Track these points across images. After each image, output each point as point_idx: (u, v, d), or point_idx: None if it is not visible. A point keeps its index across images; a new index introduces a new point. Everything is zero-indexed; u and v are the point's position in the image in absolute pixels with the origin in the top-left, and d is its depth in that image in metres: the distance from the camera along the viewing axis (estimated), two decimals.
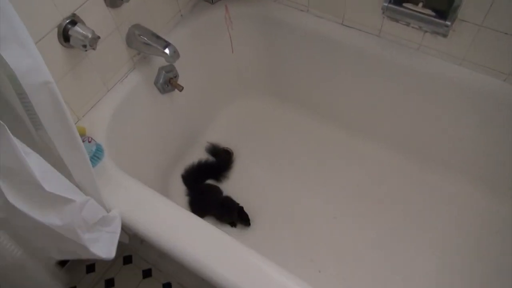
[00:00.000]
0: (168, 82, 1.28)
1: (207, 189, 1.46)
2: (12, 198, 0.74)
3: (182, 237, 0.91)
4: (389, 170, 1.48)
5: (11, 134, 0.69)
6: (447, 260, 1.28)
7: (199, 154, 1.55)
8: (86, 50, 0.95)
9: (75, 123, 1.10)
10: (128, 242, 1.13)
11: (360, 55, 1.30)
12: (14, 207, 0.74)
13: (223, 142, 1.59)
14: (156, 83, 1.26)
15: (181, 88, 1.28)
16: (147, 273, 1.37)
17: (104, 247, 0.95)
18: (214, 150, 1.55)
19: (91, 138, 1.03)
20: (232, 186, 1.46)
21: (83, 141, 1.00)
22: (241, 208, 1.34)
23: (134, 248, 1.39)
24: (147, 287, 1.34)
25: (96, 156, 1.01)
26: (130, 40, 1.15)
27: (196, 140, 1.58)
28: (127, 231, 1.05)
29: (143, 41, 1.13)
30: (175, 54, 1.11)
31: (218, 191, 1.44)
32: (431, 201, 1.40)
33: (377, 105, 1.44)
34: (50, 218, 0.80)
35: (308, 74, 1.51)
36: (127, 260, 1.39)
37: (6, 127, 0.68)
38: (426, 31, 1.15)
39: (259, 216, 1.39)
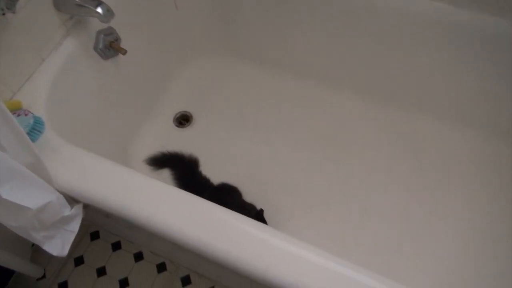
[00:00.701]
0: (109, 46, 1.21)
1: (227, 191, 1.35)
2: None
3: (140, 200, 0.88)
4: (354, 116, 1.49)
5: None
6: (410, 202, 1.31)
7: (157, 122, 1.50)
8: (3, 14, 0.87)
9: (10, 98, 1.03)
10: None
11: None
12: None
13: (180, 105, 1.55)
14: (95, 48, 1.19)
15: (124, 52, 1.20)
16: (116, 246, 1.34)
17: (58, 243, 0.95)
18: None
19: (28, 111, 0.96)
20: (196, 151, 1.43)
21: (19, 115, 0.94)
22: (261, 212, 1.24)
23: (101, 223, 1.35)
24: (118, 259, 1.32)
25: (35, 129, 0.95)
26: (58, 3, 1.06)
27: (153, 107, 1.52)
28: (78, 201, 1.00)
29: (73, 2, 1.05)
30: (108, 13, 1.04)
31: (237, 193, 1.34)
32: (397, 142, 1.42)
33: (334, 49, 1.41)
34: (5, 218, 0.80)
35: (260, 26, 1.46)
36: (94, 236, 1.35)
37: None
38: None
39: (227, 175, 1.37)
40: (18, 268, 1.17)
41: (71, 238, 0.98)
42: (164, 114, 1.53)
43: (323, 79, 1.53)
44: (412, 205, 1.29)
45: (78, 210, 0.97)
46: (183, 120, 1.55)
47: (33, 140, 0.94)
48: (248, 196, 1.33)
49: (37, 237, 0.88)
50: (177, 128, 1.52)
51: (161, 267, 1.30)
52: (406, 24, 1.23)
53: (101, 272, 1.30)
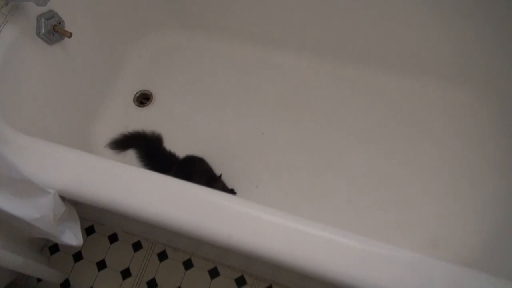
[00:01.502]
0: (53, 30, 1.17)
1: (193, 162, 1.33)
2: None
3: (104, 184, 0.88)
4: (310, 77, 1.50)
5: None
6: (377, 155, 1.36)
7: (117, 103, 1.48)
8: None
9: None
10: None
11: None
12: None
13: (138, 85, 1.53)
14: (38, 33, 1.14)
15: (69, 34, 1.17)
16: (90, 231, 1.36)
17: (71, 235, 1.00)
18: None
19: None
20: (160, 128, 1.42)
21: None
22: (219, 176, 1.24)
23: None
24: (92, 244, 1.34)
25: None
26: None
27: (110, 88, 1.50)
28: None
29: None
30: None
31: (203, 163, 1.32)
32: (352, 96, 1.45)
33: (282, 7, 1.41)
34: (28, 212, 0.84)
35: None
36: None
37: None
38: None
39: (192, 148, 1.37)
40: (43, 274, 1.13)
41: (78, 227, 1.02)
42: (124, 95, 1.51)
43: (276, 41, 1.52)
44: (378, 158, 1.34)
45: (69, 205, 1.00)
46: (143, 99, 1.53)
47: None
48: (215, 166, 1.35)
49: (55, 229, 0.93)
50: (139, 107, 1.51)
51: (137, 246, 1.33)
52: None
53: (78, 257, 1.31)
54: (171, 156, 1.35)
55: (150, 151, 1.36)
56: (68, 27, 1.19)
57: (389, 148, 1.36)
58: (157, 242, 1.32)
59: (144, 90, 1.54)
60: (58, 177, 0.89)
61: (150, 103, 1.52)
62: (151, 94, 1.53)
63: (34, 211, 0.87)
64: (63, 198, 0.94)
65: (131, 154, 1.38)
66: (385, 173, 1.31)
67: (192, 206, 0.84)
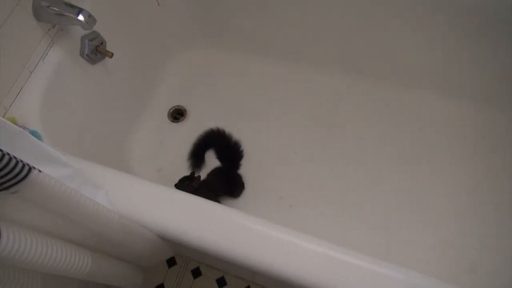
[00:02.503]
0: (96, 51, 1.20)
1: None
2: None
3: (141, 204, 0.90)
4: (343, 95, 1.49)
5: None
6: (405, 180, 1.33)
7: (152, 119, 1.51)
8: None
9: (3, 116, 1.03)
10: None
11: None
12: None
13: (172, 101, 1.55)
14: (82, 54, 1.18)
15: (110, 55, 1.20)
16: None
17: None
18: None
19: (24, 126, 0.97)
20: (191, 142, 1.44)
21: None
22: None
23: None
24: None
25: None
26: (38, 14, 1.05)
27: (146, 105, 1.53)
28: None
29: (52, 12, 1.04)
30: (90, 19, 1.03)
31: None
32: (389, 117, 1.43)
33: (317, 28, 1.41)
34: None
35: (242, 14, 1.45)
36: None
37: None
38: None
39: None
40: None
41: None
42: (158, 111, 1.54)
43: (309, 59, 1.52)
44: (412, 180, 1.32)
45: None
46: (177, 114, 1.56)
47: None
48: (246, 184, 1.36)
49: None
50: (173, 123, 1.54)
51: (171, 262, 1.34)
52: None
53: None
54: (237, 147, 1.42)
55: (224, 146, 1.42)
56: (109, 47, 1.23)
57: (424, 170, 1.33)
58: (191, 259, 1.33)
59: (178, 106, 1.56)
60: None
61: (184, 118, 1.54)
62: (185, 110, 1.55)
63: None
64: None
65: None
66: (419, 195, 1.29)
67: (230, 231, 0.84)
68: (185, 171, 1.40)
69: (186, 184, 1.19)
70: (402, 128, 1.41)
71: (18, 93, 1.06)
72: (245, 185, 1.36)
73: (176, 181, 1.24)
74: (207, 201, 0.89)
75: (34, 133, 0.97)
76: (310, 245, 0.82)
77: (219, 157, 1.42)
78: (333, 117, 1.46)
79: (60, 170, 0.84)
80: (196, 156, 1.43)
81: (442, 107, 1.41)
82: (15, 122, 1.00)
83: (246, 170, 1.39)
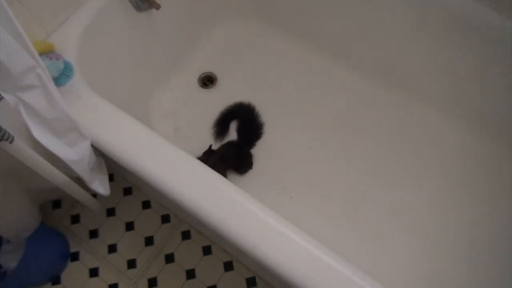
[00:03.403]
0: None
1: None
2: (37, 134, 0.85)
3: (149, 158, 0.93)
4: (372, 103, 1.47)
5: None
6: (413, 193, 1.32)
7: (182, 80, 1.53)
8: None
9: (45, 39, 1.07)
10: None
11: None
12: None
13: (206, 67, 1.57)
14: None
15: (158, 6, 1.21)
16: (127, 191, 1.43)
17: (100, 186, 1.10)
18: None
19: (59, 55, 1.00)
20: (213, 111, 1.46)
21: (51, 58, 0.99)
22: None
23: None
24: (127, 205, 1.41)
25: (65, 74, 0.99)
26: None
27: (179, 65, 1.54)
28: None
29: None
30: None
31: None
32: (411, 136, 1.41)
33: (367, 34, 1.39)
34: (68, 154, 0.92)
35: None
36: (110, 178, 1.42)
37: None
38: None
39: None
40: (84, 199, 1.20)
41: (106, 180, 1.13)
42: (190, 74, 1.56)
43: (350, 60, 1.50)
44: (421, 203, 1.30)
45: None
46: (208, 81, 1.57)
47: (61, 84, 1.00)
48: (256, 164, 1.38)
49: (89, 174, 1.01)
50: (201, 88, 1.55)
51: (165, 219, 1.38)
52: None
53: (110, 213, 1.39)
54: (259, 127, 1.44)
55: (248, 122, 1.45)
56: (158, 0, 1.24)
57: (436, 195, 1.31)
58: (184, 221, 1.37)
59: (210, 72, 1.57)
60: (113, 142, 0.95)
61: (213, 86, 1.55)
62: (215, 78, 1.57)
63: (73, 154, 0.94)
64: (97, 151, 1.03)
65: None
66: (418, 217, 1.28)
67: (226, 205, 0.87)
68: (202, 137, 1.42)
69: (203, 158, 1.21)
70: (424, 150, 1.38)
71: (63, 22, 1.09)
72: (253, 166, 1.38)
73: (190, 144, 1.26)
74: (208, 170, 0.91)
75: (67, 64, 1.00)
76: (298, 239, 0.83)
77: (239, 130, 1.44)
78: (357, 123, 1.44)
79: (52, 113, 0.87)
80: (221, 125, 1.45)
81: (472, 139, 1.38)
82: (52, 48, 1.03)
83: (259, 151, 1.40)
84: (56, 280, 1.31)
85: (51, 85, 0.86)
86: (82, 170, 0.99)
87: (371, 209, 1.29)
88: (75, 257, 1.34)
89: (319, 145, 1.41)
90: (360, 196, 1.31)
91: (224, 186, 0.90)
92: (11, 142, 0.76)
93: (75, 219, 1.39)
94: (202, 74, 1.57)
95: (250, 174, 1.37)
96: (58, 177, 0.94)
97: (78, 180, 1.05)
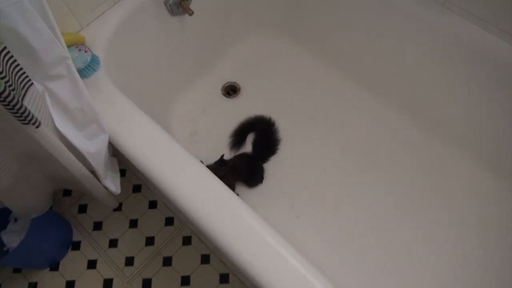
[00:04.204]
0: (179, 4, 1.24)
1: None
2: (59, 123, 0.88)
3: (158, 160, 0.93)
4: (393, 133, 1.44)
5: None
6: (425, 232, 1.27)
7: (205, 87, 1.55)
8: None
9: (78, 32, 1.10)
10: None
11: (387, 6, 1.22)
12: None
13: (231, 76, 1.58)
14: (166, 3, 1.22)
15: (191, 12, 1.24)
16: (136, 189, 1.44)
17: (111, 183, 1.10)
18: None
19: (88, 48, 1.03)
20: (233, 121, 1.46)
21: (80, 50, 1.02)
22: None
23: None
24: (134, 202, 1.42)
25: (90, 66, 1.02)
26: None
27: (205, 71, 1.56)
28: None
29: None
30: None
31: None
32: (428, 170, 1.36)
33: (396, 63, 1.36)
34: (87, 146, 0.95)
35: (327, 19, 1.43)
36: (122, 173, 1.45)
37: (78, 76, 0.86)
38: None
39: None
40: (101, 194, 1.19)
41: (118, 178, 1.14)
42: (214, 81, 1.57)
43: (377, 89, 1.48)
44: (428, 242, 1.25)
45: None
46: (231, 90, 1.58)
47: (86, 76, 1.02)
48: (266, 177, 1.36)
49: (103, 169, 1.02)
50: (224, 97, 1.56)
51: (169, 221, 1.38)
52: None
53: (117, 208, 1.40)
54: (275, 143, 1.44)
55: (265, 136, 1.44)
56: (192, 6, 1.26)
57: (450, 235, 1.26)
58: (187, 227, 1.36)
59: (234, 82, 1.58)
60: (126, 139, 0.96)
61: (235, 96, 1.56)
62: (239, 89, 1.57)
63: (91, 146, 0.96)
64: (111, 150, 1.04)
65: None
66: (426, 258, 1.22)
67: (227, 218, 0.85)
68: (217, 145, 1.42)
69: (213, 168, 1.21)
70: (442, 190, 1.33)
71: (97, 17, 1.12)
72: (264, 181, 1.36)
73: (203, 150, 1.26)
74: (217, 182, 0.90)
75: (95, 58, 1.03)
76: (296, 263, 0.81)
77: (255, 143, 1.43)
78: (376, 152, 1.41)
79: (76, 104, 0.89)
80: (239, 136, 1.45)
81: (488, 182, 1.33)
82: (83, 41, 1.06)
83: (271, 166, 1.39)
84: (55, 266, 1.33)
85: (78, 77, 0.88)
86: (98, 164, 1.00)
87: (378, 242, 1.25)
88: (76, 246, 1.35)
89: (333, 168, 1.39)
90: (368, 226, 1.28)
91: (229, 199, 0.89)
92: (37, 127, 0.77)
93: (83, 208, 1.41)
94: (226, 83, 1.58)
95: (259, 188, 1.35)
96: (78, 168, 0.95)
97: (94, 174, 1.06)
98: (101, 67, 1.05)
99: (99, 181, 1.05)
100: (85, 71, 1.01)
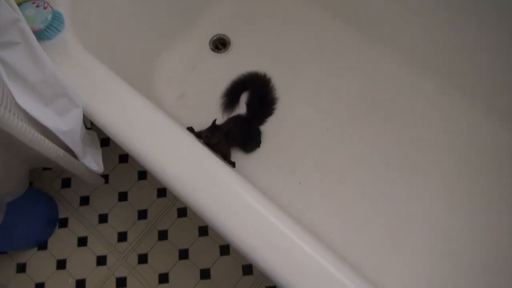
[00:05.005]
0: None
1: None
2: (21, 100, 0.75)
3: (140, 132, 0.81)
4: (400, 87, 1.31)
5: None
6: (438, 194, 1.19)
7: (192, 42, 1.38)
8: None
9: None
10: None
11: None
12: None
13: (219, 28, 1.40)
14: None
15: None
16: (123, 159, 1.33)
17: (92, 161, 0.98)
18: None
19: (47, 3, 0.86)
20: (225, 78, 1.31)
21: (37, 6, 0.85)
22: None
23: None
24: (121, 173, 1.31)
25: (53, 26, 0.86)
26: None
27: (190, 23, 1.38)
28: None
29: None
30: None
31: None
32: (436, 125, 1.26)
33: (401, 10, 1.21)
34: (57, 123, 0.81)
35: None
36: (105, 142, 1.32)
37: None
38: None
39: None
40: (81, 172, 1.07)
41: (99, 156, 1.03)
42: (201, 34, 1.40)
43: (385, 40, 1.33)
44: (440, 208, 1.18)
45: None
46: (220, 44, 1.42)
47: (48, 38, 0.87)
48: (264, 144, 1.25)
49: (80, 147, 0.90)
50: (213, 52, 1.40)
51: (161, 193, 1.29)
52: None
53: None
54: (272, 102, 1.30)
55: (260, 95, 1.29)
56: None
57: (464, 195, 1.18)
58: None
59: (223, 35, 1.41)
60: (100, 109, 0.83)
61: (225, 50, 1.40)
62: (229, 42, 1.41)
63: (63, 123, 0.83)
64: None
65: None
66: (445, 223, 1.15)
67: (220, 195, 0.76)
68: (207, 107, 1.29)
69: (206, 135, 1.09)
70: (459, 148, 1.23)
71: None
72: (261, 145, 1.25)
73: (193, 114, 1.13)
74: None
75: (57, 15, 0.86)
76: (296, 238, 0.73)
77: (249, 104, 1.30)
78: (384, 108, 1.28)
79: (39, 75, 0.75)
80: (231, 96, 1.31)
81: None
82: None
83: (268, 128, 1.27)
84: (43, 245, 1.24)
85: (36, 42, 0.73)
86: (73, 142, 0.87)
87: (387, 206, 1.17)
88: (63, 223, 1.26)
89: (337, 128, 1.27)
90: (376, 191, 1.19)
91: (221, 174, 0.78)
92: None
93: (66, 183, 1.30)
94: (214, 36, 1.41)
95: (257, 153, 1.24)
96: (51, 149, 0.82)
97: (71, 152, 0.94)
98: (66, 26, 0.89)
99: (78, 159, 0.93)
100: (47, 32, 0.85)
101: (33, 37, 0.72)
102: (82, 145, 0.91)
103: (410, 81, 1.30)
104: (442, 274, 1.11)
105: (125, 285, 1.20)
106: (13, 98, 0.73)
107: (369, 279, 1.07)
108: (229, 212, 0.75)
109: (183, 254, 1.22)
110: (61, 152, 0.84)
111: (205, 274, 1.20)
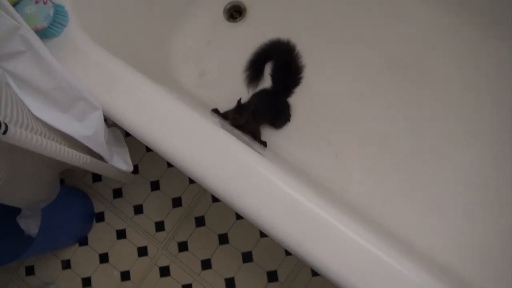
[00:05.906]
0: None
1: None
2: (38, 112, 0.70)
3: (161, 126, 0.76)
4: (444, 39, 1.17)
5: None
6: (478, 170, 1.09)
7: (205, 13, 1.28)
8: None
9: None
10: None
11: None
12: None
13: None
14: None
15: None
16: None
17: (121, 161, 0.96)
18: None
19: None
20: (244, 49, 1.22)
21: (36, 2, 0.78)
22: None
23: None
24: (151, 161, 1.27)
25: (57, 22, 0.79)
26: None
27: None
28: None
29: None
30: None
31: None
32: (493, 83, 1.12)
33: None
34: (79, 129, 0.78)
35: None
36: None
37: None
38: None
39: None
40: (110, 172, 1.04)
41: (127, 154, 1.00)
42: (213, 4, 1.29)
43: None
44: (480, 163, 1.09)
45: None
46: (235, 12, 1.31)
47: (55, 35, 0.80)
48: (295, 117, 1.17)
49: (106, 148, 0.86)
50: (228, 22, 1.30)
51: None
52: None
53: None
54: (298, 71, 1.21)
55: (285, 65, 1.21)
56: None
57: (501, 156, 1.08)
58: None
59: (237, 1, 1.30)
60: (116, 104, 0.78)
61: (242, 19, 1.29)
62: (244, 9, 1.30)
63: (84, 128, 0.78)
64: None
65: None
66: (497, 191, 1.06)
67: (255, 189, 0.72)
68: (230, 82, 1.21)
69: (232, 117, 1.02)
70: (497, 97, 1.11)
71: None
72: (291, 118, 1.18)
73: (216, 93, 1.06)
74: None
75: (59, 9, 0.79)
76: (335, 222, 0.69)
77: (274, 75, 1.21)
78: (423, 64, 1.16)
79: (51, 82, 0.69)
80: (255, 69, 1.22)
81: None
82: None
83: (297, 100, 1.19)
84: (83, 241, 1.25)
85: (42, 47, 0.67)
86: (98, 146, 0.83)
87: (432, 173, 1.08)
88: (100, 217, 1.26)
89: (371, 91, 1.17)
90: (420, 156, 1.10)
91: (251, 162, 0.74)
92: (4, 133, 0.58)
93: (97, 176, 1.28)
94: (228, 4, 1.30)
95: (288, 128, 1.17)
96: (77, 158, 0.78)
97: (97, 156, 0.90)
98: (70, 20, 0.82)
99: (106, 162, 0.89)
100: (52, 30, 0.79)
101: (37, 43, 0.66)
102: (107, 146, 0.86)
103: (450, 30, 1.17)
104: (488, 236, 1.04)
105: (169, 273, 1.19)
106: (29, 111, 0.68)
107: (419, 249, 1.02)
108: (267, 205, 0.71)
109: (223, 239, 1.19)
110: (88, 158, 0.80)
111: (247, 257, 1.17)
